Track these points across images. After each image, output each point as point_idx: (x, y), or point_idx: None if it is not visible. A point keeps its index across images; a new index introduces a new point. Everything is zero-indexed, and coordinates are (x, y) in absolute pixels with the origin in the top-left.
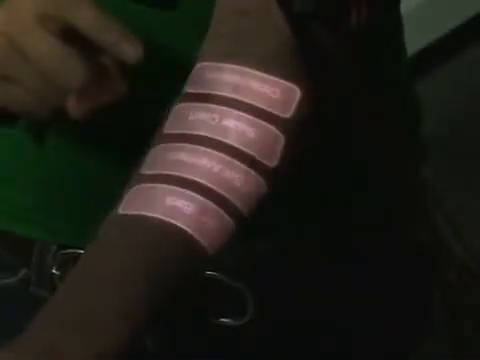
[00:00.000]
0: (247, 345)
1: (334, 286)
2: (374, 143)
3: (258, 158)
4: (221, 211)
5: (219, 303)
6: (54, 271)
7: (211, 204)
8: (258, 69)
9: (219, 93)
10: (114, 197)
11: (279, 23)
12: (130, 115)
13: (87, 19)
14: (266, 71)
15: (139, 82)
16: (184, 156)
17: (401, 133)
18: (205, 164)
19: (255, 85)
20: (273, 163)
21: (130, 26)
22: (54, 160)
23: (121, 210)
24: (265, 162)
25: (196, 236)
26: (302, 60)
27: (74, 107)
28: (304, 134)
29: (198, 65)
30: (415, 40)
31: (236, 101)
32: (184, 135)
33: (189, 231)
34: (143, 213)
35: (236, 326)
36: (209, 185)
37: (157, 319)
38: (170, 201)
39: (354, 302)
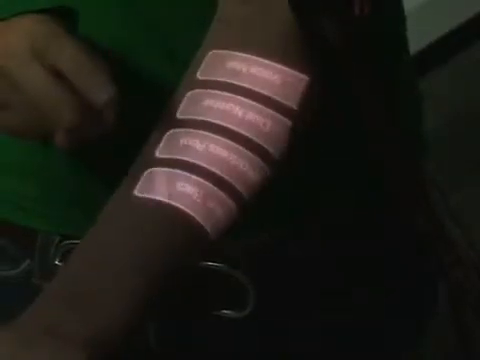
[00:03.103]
0: (248, 340)
1: (335, 282)
2: (376, 140)
3: (266, 147)
4: (226, 197)
5: (221, 295)
6: (57, 262)
7: (217, 190)
8: (262, 56)
9: (229, 81)
10: (117, 187)
11: (282, 10)
12: (133, 108)
13: (66, 62)
14: (270, 58)
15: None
16: (194, 142)
17: (402, 132)
18: (214, 150)
19: (263, 73)
20: (279, 152)
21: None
22: (57, 151)
23: (128, 191)
24: (272, 151)
25: (200, 221)
26: (305, 49)
27: (61, 141)
28: (307, 124)
29: (205, 52)
30: (415, 40)
31: (246, 89)
32: (196, 121)
33: (193, 215)
34: (149, 196)
35: (237, 319)
36: (217, 171)
37: (158, 302)
38: (177, 186)
39: (354, 299)
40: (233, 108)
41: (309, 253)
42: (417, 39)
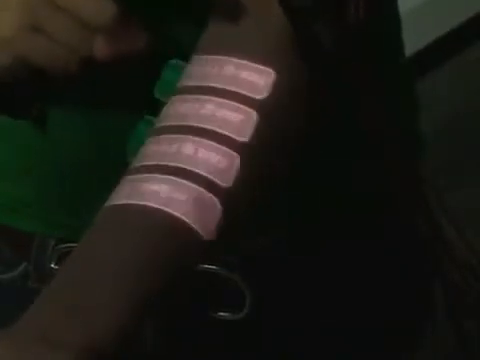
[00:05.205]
0: (247, 341)
1: (333, 284)
2: (375, 140)
3: (233, 137)
4: (212, 196)
5: (218, 297)
6: (53, 266)
7: (202, 190)
8: (255, 62)
9: (213, 85)
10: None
11: (277, 16)
12: (127, 109)
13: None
14: (264, 64)
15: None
16: (179, 147)
17: (400, 132)
18: (201, 154)
19: (251, 77)
20: (244, 139)
21: None
22: (54, 153)
23: (115, 200)
24: (237, 138)
25: (190, 222)
26: (301, 54)
27: (101, 48)
28: (281, 118)
29: (194, 57)
30: (415, 40)
31: (230, 92)
32: (174, 127)
33: (182, 218)
34: (136, 202)
35: (235, 321)
36: (200, 172)
37: (156, 304)
38: (165, 191)
39: (354, 299)
40: (217, 112)
41: (308, 254)
42: (416, 39)
